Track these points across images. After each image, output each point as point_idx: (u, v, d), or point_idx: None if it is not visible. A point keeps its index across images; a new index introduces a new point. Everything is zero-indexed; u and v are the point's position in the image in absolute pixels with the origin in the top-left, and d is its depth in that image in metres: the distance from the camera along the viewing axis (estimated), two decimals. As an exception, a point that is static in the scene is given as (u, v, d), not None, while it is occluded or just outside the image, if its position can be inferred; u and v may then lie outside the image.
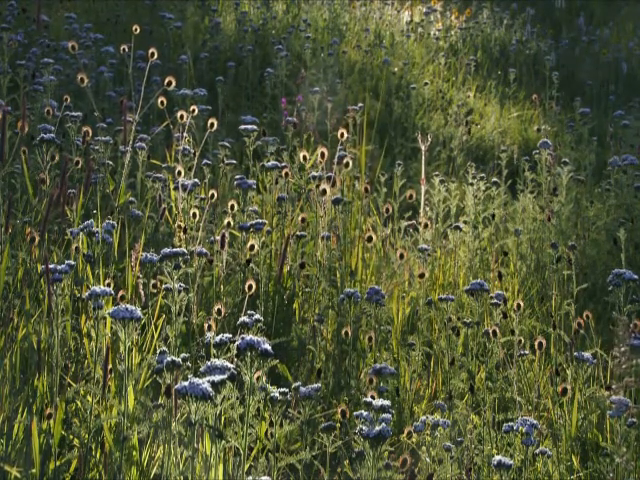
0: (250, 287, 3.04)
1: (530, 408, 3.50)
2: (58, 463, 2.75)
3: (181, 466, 2.47)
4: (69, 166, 3.91)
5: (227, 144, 4.82)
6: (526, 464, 2.84)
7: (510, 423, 2.84)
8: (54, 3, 9.21)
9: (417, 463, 2.90)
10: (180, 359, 2.48)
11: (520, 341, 3.48)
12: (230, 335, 2.56)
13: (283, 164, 4.46)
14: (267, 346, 2.26)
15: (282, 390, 2.58)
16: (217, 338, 2.54)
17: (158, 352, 2.63)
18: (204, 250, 3.71)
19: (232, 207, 3.86)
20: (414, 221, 5.14)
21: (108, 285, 3.18)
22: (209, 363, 2.27)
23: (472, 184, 5.43)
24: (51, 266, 2.91)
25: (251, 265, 3.92)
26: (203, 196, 4.26)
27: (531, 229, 5.22)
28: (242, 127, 4.50)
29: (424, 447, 2.88)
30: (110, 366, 2.75)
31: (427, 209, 5.24)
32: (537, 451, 2.87)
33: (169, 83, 3.66)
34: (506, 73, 9.50)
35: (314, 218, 4.21)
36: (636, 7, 13.97)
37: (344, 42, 9.77)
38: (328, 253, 4.04)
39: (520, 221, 5.48)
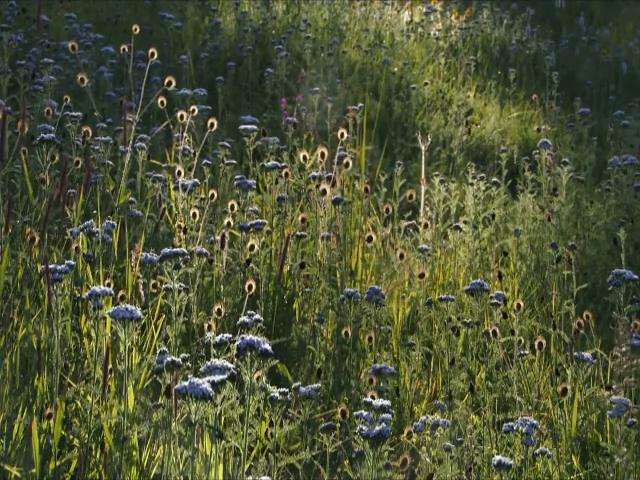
0: (250, 287, 3.04)
1: (530, 408, 3.50)
2: (58, 463, 2.75)
3: (181, 466, 2.47)
4: (69, 166, 3.91)
5: (227, 144, 4.82)
6: (526, 464, 2.84)
7: (510, 423, 2.84)
8: (54, 3, 9.21)
9: (417, 463, 2.90)
10: (180, 359, 2.48)
11: (520, 341, 3.48)
12: (230, 335, 2.56)
13: (283, 164, 4.46)
14: (267, 346, 2.26)
15: (282, 390, 2.58)
16: (217, 338, 2.54)
17: (158, 352, 2.63)
18: (204, 250, 3.71)
19: (232, 207, 3.86)
20: (414, 221, 5.14)
21: (108, 285, 3.18)
22: (209, 363, 2.27)
23: (472, 184, 5.43)
24: (51, 266, 2.91)
25: (251, 265, 3.92)
26: (203, 196, 4.26)
27: (531, 229, 5.22)
28: (242, 127, 4.50)
29: (424, 447, 2.88)
30: (110, 366, 2.75)
31: (427, 209, 5.24)
32: (537, 451, 2.87)
33: (169, 83, 3.66)
34: (506, 73, 9.50)
35: (314, 218, 4.21)
36: (636, 7, 13.97)
37: (344, 42, 9.77)
38: (328, 253, 4.04)
39: (520, 221, 5.48)
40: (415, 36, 10.45)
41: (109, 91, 6.59)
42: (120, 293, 3.08)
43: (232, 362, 2.43)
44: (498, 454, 3.04)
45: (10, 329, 3.04)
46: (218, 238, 3.88)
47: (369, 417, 2.48)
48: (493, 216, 5.35)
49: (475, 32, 10.98)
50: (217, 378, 2.19)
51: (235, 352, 2.29)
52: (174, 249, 2.84)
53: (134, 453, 2.74)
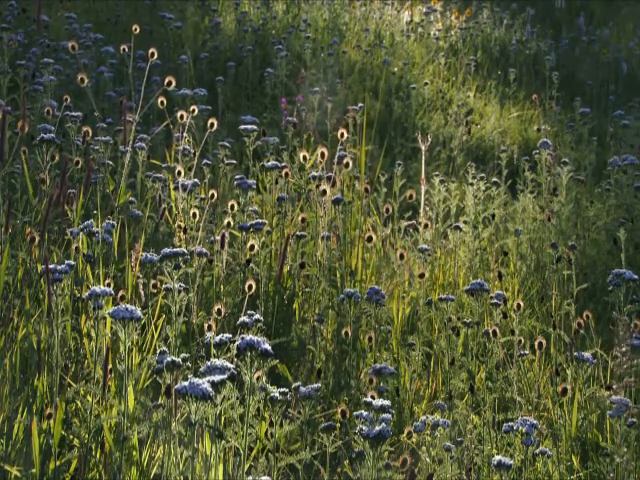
0: (250, 287, 3.04)
1: (530, 408, 3.50)
2: (58, 463, 2.75)
3: (181, 466, 2.47)
4: (69, 166, 3.91)
5: (227, 144, 4.82)
6: (526, 464, 2.84)
7: (510, 423, 2.84)
8: (54, 3, 9.21)
9: (417, 463, 2.90)
10: (180, 359, 2.48)
11: (520, 341, 3.48)
12: (230, 335, 2.56)
13: (283, 164, 4.46)
14: (267, 346, 2.26)
15: (282, 390, 2.58)
16: (217, 338, 2.54)
17: (158, 352, 2.63)
18: (204, 250, 3.71)
19: (232, 207, 3.86)
20: (414, 221, 5.14)
21: (108, 285, 3.18)
22: (209, 363, 2.27)
23: (472, 184, 5.43)
24: (51, 266, 2.91)
25: (251, 265, 3.92)
26: (203, 196, 4.26)
27: (531, 229, 5.22)
28: (242, 127, 4.50)
29: (424, 447, 2.88)
30: (110, 366, 2.75)
31: (427, 209, 5.24)
32: (537, 451, 2.87)
33: (169, 83, 3.66)
34: (506, 73, 9.50)
35: (314, 218, 4.21)
36: (636, 7, 13.97)
37: (344, 42, 9.77)
38: (328, 253, 4.04)
39: (520, 221, 5.48)
40: (415, 36, 10.45)
41: (109, 91, 6.59)
42: (120, 293, 3.08)
43: (232, 362, 2.43)
44: (498, 454, 3.04)
45: (10, 329, 3.04)
46: (218, 238, 3.88)
47: (369, 417, 2.48)
48: (493, 216, 5.35)
49: (475, 32, 10.98)
50: (217, 378, 2.19)
51: (235, 352, 2.29)
52: (174, 249, 2.84)
53: (134, 453, 2.74)
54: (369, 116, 6.75)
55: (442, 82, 9.33)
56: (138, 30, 3.86)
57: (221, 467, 2.45)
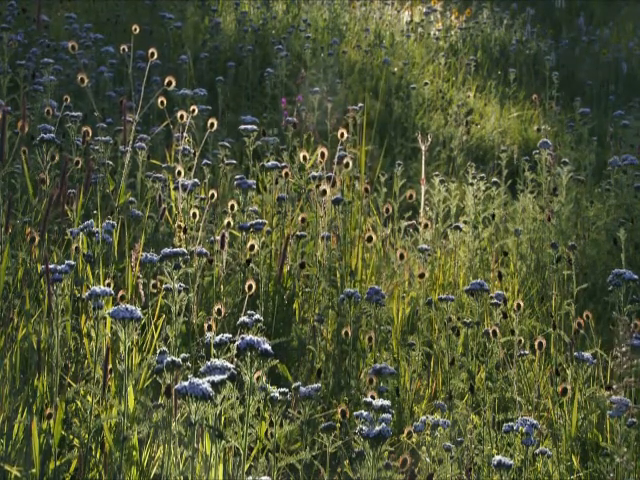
0: (250, 287, 3.04)
1: (530, 408, 3.50)
2: (58, 463, 2.75)
3: (181, 466, 2.47)
4: (69, 166, 3.91)
5: (227, 144, 4.82)
6: (526, 464, 2.84)
7: (510, 423, 2.84)
8: (54, 3, 9.21)
9: (417, 463, 2.90)
10: (180, 359, 2.48)
11: (520, 341, 3.48)
12: (230, 335, 2.56)
13: (283, 164, 4.46)
14: (267, 346, 2.26)
15: (282, 390, 2.58)
16: (217, 338, 2.54)
17: (158, 352, 2.63)
18: (204, 250, 3.71)
19: (232, 207, 3.86)
20: (414, 221, 5.14)
21: (108, 285, 3.18)
22: (209, 363, 2.27)
23: (472, 184, 5.43)
24: (51, 266, 2.91)
25: (251, 265, 3.92)
26: (203, 196, 4.26)
27: (531, 229, 5.22)
28: (242, 127, 4.50)
29: (424, 447, 2.88)
30: (110, 366, 2.75)
31: (427, 209, 5.24)
32: (537, 451, 2.87)
33: (169, 83, 3.66)
34: (506, 73, 9.50)
35: (314, 218, 4.21)
36: (636, 7, 13.97)
37: (344, 42, 9.77)
38: (328, 253, 4.04)
39: (520, 221, 5.48)
40: (415, 36, 10.45)
41: (109, 91, 6.59)
42: (120, 293, 3.08)
43: (232, 362, 2.43)
44: (498, 454, 3.04)
45: (10, 329, 3.04)
46: (218, 238, 3.88)
47: (369, 417, 2.48)
48: (493, 216, 5.35)
49: (475, 32, 10.98)
50: (217, 378, 2.19)
51: (235, 352, 2.29)
52: (174, 249, 2.84)
53: (134, 453, 2.74)
54: (369, 116, 6.75)
55: (442, 82, 9.33)
56: (138, 30, 3.86)
57: (221, 467, 2.45)
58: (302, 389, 2.81)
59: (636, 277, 3.34)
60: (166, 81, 3.67)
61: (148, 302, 3.37)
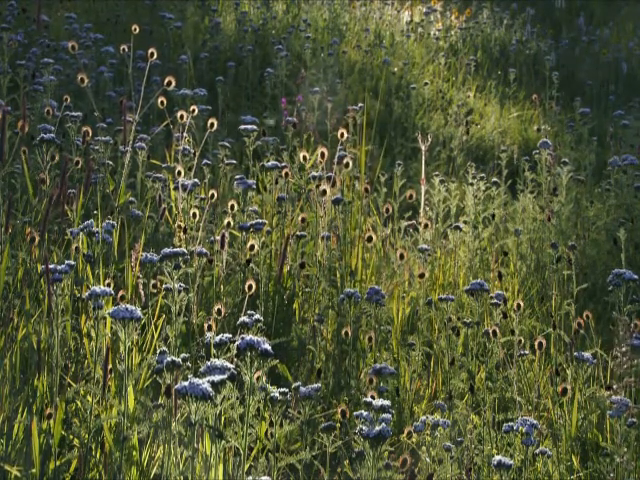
0: (250, 287, 3.04)
1: (530, 408, 3.50)
2: (58, 463, 2.75)
3: (181, 466, 2.47)
4: (69, 166, 3.91)
5: (227, 144, 4.82)
6: (526, 464, 2.84)
7: (510, 423, 2.84)
8: (54, 3, 9.21)
9: (417, 463, 2.90)
10: (180, 359, 2.48)
11: (520, 341, 3.48)
12: (230, 335, 2.56)
13: (283, 164, 4.46)
14: (267, 346, 2.26)
15: (282, 390, 2.58)
16: (217, 338, 2.54)
17: (158, 352, 2.63)
18: (204, 250, 3.71)
19: (232, 207, 3.86)
20: (414, 221, 5.14)
21: (108, 285, 3.18)
22: (209, 363, 2.27)
23: (472, 184, 5.43)
24: (51, 266, 2.91)
25: (251, 265, 3.92)
26: (203, 196, 4.26)
27: (531, 229, 5.22)
28: (242, 127, 4.50)
29: (424, 447, 2.88)
30: (110, 366, 2.75)
31: (427, 209, 5.24)
32: (537, 451, 2.87)
33: (169, 83, 3.66)
34: (506, 73, 9.50)
35: (314, 218, 4.21)
36: (636, 7, 13.97)
37: (344, 42, 9.77)
38: (328, 253, 4.04)
39: (520, 221, 5.48)
40: (415, 36, 10.45)
41: (109, 91, 6.59)
42: (120, 293, 3.08)
43: (232, 362, 2.43)
44: (498, 454, 3.04)
45: (10, 329, 3.04)
46: (218, 238, 3.88)
47: (369, 417, 2.48)
48: (493, 216, 5.35)
49: (475, 32, 10.98)
50: (217, 378, 2.19)
51: (235, 352, 2.29)
52: (174, 249, 2.84)
53: (134, 453, 2.74)
54: (369, 116, 6.75)
55: (442, 82, 9.33)
56: (138, 30, 3.86)
57: (221, 467, 2.45)
58: (302, 389, 2.81)
59: (636, 277, 3.34)
60: (166, 81, 3.67)
61: (148, 302, 3.37)
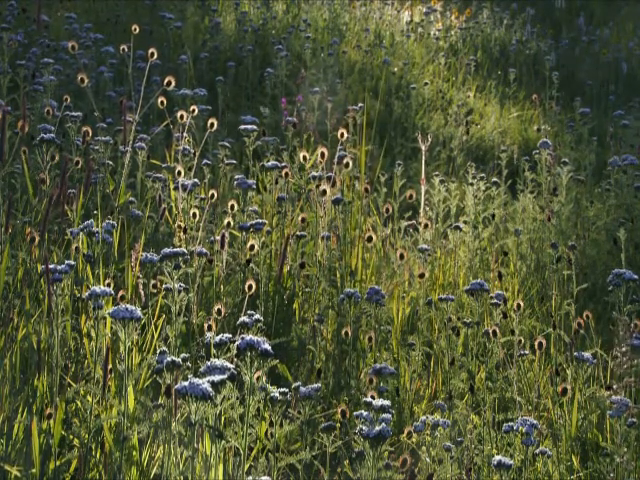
0: (250, 287, 3.04)
1: (530, 408, 3.50)
2: (58, 463, 2.75)
3: (181, 466, 2.47)
4: (69, 166, 3.91)
5: (227, 144, 4.82)
6: (526, 464, 2.84)
7: (510, 423, 2.84)
8: (54, 3, 9.21)
9: (417, 463, 2.90)
10: (180, 359, 2.48)
11: (520, 341, 3.48)
12: (230, 335, 2.56)
13: (283, 164, 4.46)
14: (267, 346, 2.26)
15: (282, 390, 2.58)
16: (217, 338, 2.54)
17: (158, 352, 2.63)
18: (204, 250, 3.71)
19: (232, 207, 3.86)
20: (414, 221, 5.14)
21: (108, 285, 3.18)
22: (209, 363, 2.27)
23: (472, 184, 5.43)
24: (51, 266, 2.91)
25: (251, 265, 3.92)
26: (203, 196, 4.26)
27: (531, 229, 5.22)
28: (242, 127, 4.50)
29: (424, 447, 2.88)
30: (110, 366, 2.75)
31: (427, 209, 5.24)
32: (537, 451, 2.87)
33: (169, 83, 3.66)
34: (506, 73, 9.50)
35: (314, 218, 4.21)
36: (636, 7, 13.97)
37: (344, 42, 9.77)
38: (328, 253, 4.04)
39: (520, 221, 5.48)
40: (415, 36, 10.45)
41: (109, 91, 6.59)
42: (120, 293, 3.08)
43: (232, 362, 2.43)
44: (498, 454, 3.04)
45: (10, 329, 3.04)
46: (218, 238, 3.88)
47: (369, 417, 2.48)
48: (493, 216, 5.35)
49: (475, 32, 10.98)
50: (217, 378, 2.19)
51: (235, 352, 2.29)
52: (174, 249, 2.84)
53: (134, 453, 2.74)
54: (369, 116, 6.75)
55: (442, 82, 9.33)
56: (138, 30, 3.87)
57: (221, 467, 2.45)
58: (302, 389, 2.81)
59: (636, 277, 3.34)
60: (166, 81, 3.67)
61: (148, 302, 3.37)
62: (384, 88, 8.42)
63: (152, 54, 3.65)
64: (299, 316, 4.08)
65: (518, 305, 3.46)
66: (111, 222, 3.59)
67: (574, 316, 3.71)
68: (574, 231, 5.32)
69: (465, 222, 5.23)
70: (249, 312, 2.72)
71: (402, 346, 3.87)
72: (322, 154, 3.97)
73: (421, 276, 3.93)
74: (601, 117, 8.82)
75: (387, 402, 2.53)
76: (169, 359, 2.46)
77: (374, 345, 3.66)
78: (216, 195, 3.95)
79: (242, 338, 2.26)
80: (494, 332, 3.28)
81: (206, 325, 2.90)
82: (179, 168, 4.06)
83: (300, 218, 4.21)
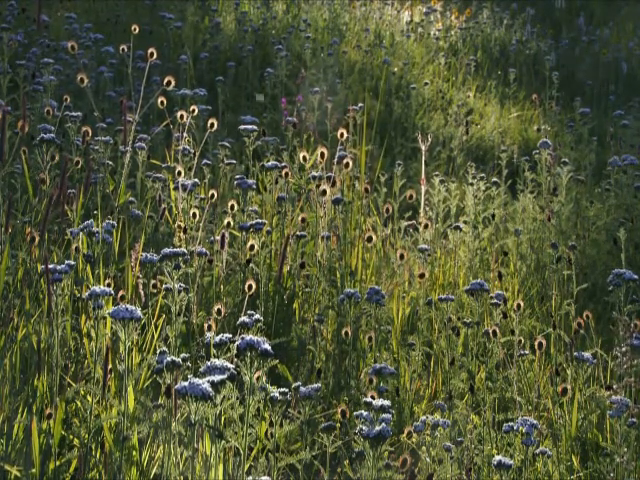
0: (250, 287, 3.04)
1: (530, 408, 3.50)
2: (58, 463, 2.75)
3: (181, 466, 2.47)
4: (69, 166, 3.91)
5: (227, 144, 4.82)
6: (526, 464, 2.84)
7: (510, 423, 2.84)
8: (54, 3, 9.21)
9: (417, 463, 2.90)
10: (180, 359, 2.48)
11: (520, 341, 3.48)
12: (230, 335, 2.56)
13: (283, 164, 4.46)
14: (267, 346, 2.26)
15: (282, 390, 2.58)
16: (217, 338, 2.54)
17: (158, 352, 2.63)
18: (204, 250, 3.71)
19: (232, 207, 3.86)
20: (414, 221, 5.14)
21: (108, 285, 3.18)
22: (209, 363, 2.27)
23: (472, 184, 5.43)
24: (51, 266, 2.91)
25: (251, 265, 3.92)
26: (203, 196, 4.26)
27: (531, 229, 5.22)
28: (242, 127, 4.50)
29: (424, 447, 2.88)
30: (110, 366, 2.75)
31: (427, 209, 5.24)
32: (537, 451, 2.87)
33: (168, 83, 3.66)
34: (506, 73, 9.51)
35: (314, 218, 4.21)
36: (636, 7, 13.97)
37: (344, 42, 9.77)
38: (328, 253, 4.04)
39: (520, 221, 5.48)
40: (415, 36, 10.45)
41: (109, 91, 6.59)
42: (120, 293, 3.08)
43: (232, 362, 2.43)
44: (498, 454, 3.04)
45: (10, 329, 3.04)
46: (218, 238, 3.88)
47: (369, 417, 2.48)
48: (493, 216, 5.35)
49: (475, 32, 10.98)
50: (217, 378, 2.19)
51: (235, 352, 2.29)
52: (174, 249, 2.84)
53: (134, 453, 2.74)
54: (369, 116, 6.75)
55: (442, 82, 9.33)
56: (138, 30, 3.87)
57: (221, 467, 2.45)
58: (302, 389, 2.81)
59: (636, 277, 3.34)
60: (165, 81, 3.67)
61: (148, 302, 3.37)
62: (384, 88, 8.41)
63: (152, 54, 3.65)
64: (299, 316, 4.08)
65: (518, 305, 3.46)
66: (111, 222, 3.59)
67: (574, 316, 3.71)
68: (574, 231, 5.32)
69: (465, 222, 5.23)
70: (249, 312, 2.72)
71: (402, 346, 3.87)
72: (322, 154, 3.97)
73: (421, 276, 3.93)
74: (601, 117, 8.82)
75: (387, 402, 2.53)
76: (169, 359, 2.46)
77: (374, 345, 3.66)
78: (216, 195, 3.95)
79: (242, 338, 2.26)
80: (494, 332, 3.28)
81: (206, 325, 2.90)
82: (179, 168, 4.06)
83: (300, 218, 4.21)
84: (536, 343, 3.34)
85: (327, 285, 3.99)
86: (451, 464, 2.84)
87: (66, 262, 3.00)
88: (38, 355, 2.93)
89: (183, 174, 4.07)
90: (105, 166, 4.10)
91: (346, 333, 3.59)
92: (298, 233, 4.20)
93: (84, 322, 3.21)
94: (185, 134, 4.30)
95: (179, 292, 2.90)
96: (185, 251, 2.85)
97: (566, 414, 3.29)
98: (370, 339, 3.61)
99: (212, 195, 3.93)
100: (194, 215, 3.85)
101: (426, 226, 4.60)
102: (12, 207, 3.35)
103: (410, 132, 7.89)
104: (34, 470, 2.69)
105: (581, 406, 3.34)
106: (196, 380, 2.15)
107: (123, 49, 3.92)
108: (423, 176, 4.84)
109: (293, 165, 4.85)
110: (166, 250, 2.85)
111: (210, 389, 2.14)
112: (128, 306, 2.48)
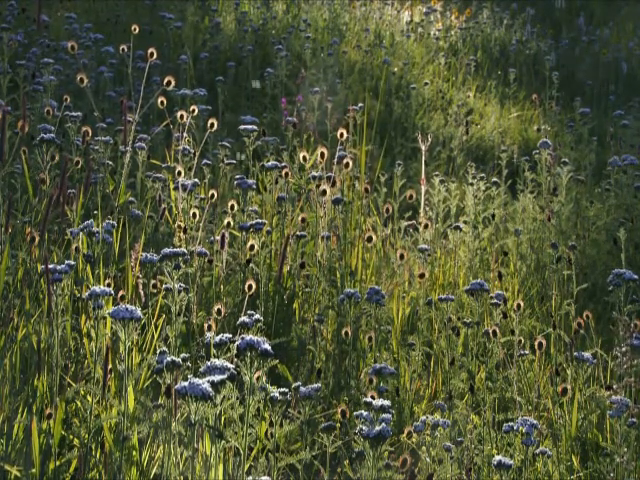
0: (250, 287, 3.04)
1: (530, 408, 3.50)
2: (58, 463, 2.75)
3: (181, 466, 2.47)
4: (69, 166, 3.91)
5: (227, 144, 4.82)
6: (526, 464, 2.84)
7: (510, 423, 2.84)
8: (54, 3, 9.21)
9: (417, 463, 2.90)
10: (180, 359, 2.48)
11: (520, 341, 3.48)
12: (230, 335, 2.56)
13: (283, 164, 4.46)
14: (267, 346, 2.26)
15: (282, 390, 2.58)
16: (217, 338, 2.54)
17: (158, 352, 2.63)
18: (204, 250, 3.71)
19: (232, 207, 3.86)
20: (414, 221, 5.14)
21: (108, 285, 3.18)
22: (209, 363, 2.27)
23: (472, 184, 5.43)
24: (51, 266, 2.91)
25: (251, 265, 3.92)
26: (203, 196, 4.26)
27: (531, 229, 5.22)
28: (242, 127, 4.50)
29: (424, 447, 2.88)
30: (110, 366, 2.75)
31: (427, 209, 5.24)
32: (537, 451, 2.87)
33: (168, 83, 3.66)
34: (506, 73, 9.51)
35: (314, 218, 4.21)
36: (636, 7, 13.97)
37: (344, 42, 9.77)
38: (328, 253, 4.04)
39: (520, 221, 5.48)
40: (415, 36, 10.45)
41: (109, 91, 6.59)
42: (120, 293, 3.08)
43: (232, 362, 2.43)
44: (498, 454, 3.04)
45: (10, 329, 3.04)
46: (218, 238, 3.88)
47: (369, 417, 2.48)
48: (493, 216, 5.35)
49: (475, 32, 10.98)
50: (217, 378, 2.19)
51: (235, 352, 2.29)
52: (174, 249, 2.84)
53: (134, 453, 2.74)
54: (369, 116, 6.75)
55: (442, 82, 9.33)
56: (138, 30, 3.87)
57: (221, 467, 2.45)
58: (302, 389, 2.81)
59: (636, 277, 3.34)
60: (165, 81, 3.67)
61: (148, 302, 3.37)
62: (384, 88, 8.41)
63: (152, 54, 3.65)
64: (299, 316, 4.08)
65: (518, 305, 3.46)
66: (111, 222, 3.59)
67: (574, 316, 3.71)
68: (574, 231, 5.32)
69: (465, 222, 5.23)
70: (249, 312, 2.72)
71: (402, 346, 3.87)
72: (322, 154, 3.97)
73: (421, 276, 3.94)
74: (601, 117, 8.82)
75: (387, 402, 2.53)
76: (169, 359, 2.46)
77: (374, 345, 3.66)
78: (216, 195, 3.95)
79: (242, 338, 2.26)
80: (494, 332, 3.28)
81: (206, 325, 2.90)
82: (179, 168, 4.06)
83: (300, 218, 4.21)
84: (536, 343, 3.34)
85: (327, 285, 3.99)
86: (451, 464, 2.84)
87: (66, 262, 3.00)
88: (38, 355, 2.93)
89: (183, 174, 4.07)
90: (105, 166, 4.10)
91: (346, 333, 3.59)
92: (298, 233, 4.20)
93: (84, 322, 3.21)
94: (185, 134, 4.30)
95: (179, 292, 2.90)
96: (185, 251, 2.85)
97: (566, 414, 3.29)
98: (370, 339, 3.61)
99: (212, 195, 3.93)
100: (194, 215, 3.85)
101: (426, 226, 4.60)
102: (12, 207, 3.35)
103: (410, 132, 7.89)
104: (34, 470, 2.69)
105: (581, 406, 3.34)
106: (196, 380, 2.15)
107: (123, 49, 3.92)
108: (423, 176, 4.84)
109: (293, 165, 4.85)
110: (166, 250, 2.85)
111: (210, 389, 2.14)
112: (128, 306, 2.48)
